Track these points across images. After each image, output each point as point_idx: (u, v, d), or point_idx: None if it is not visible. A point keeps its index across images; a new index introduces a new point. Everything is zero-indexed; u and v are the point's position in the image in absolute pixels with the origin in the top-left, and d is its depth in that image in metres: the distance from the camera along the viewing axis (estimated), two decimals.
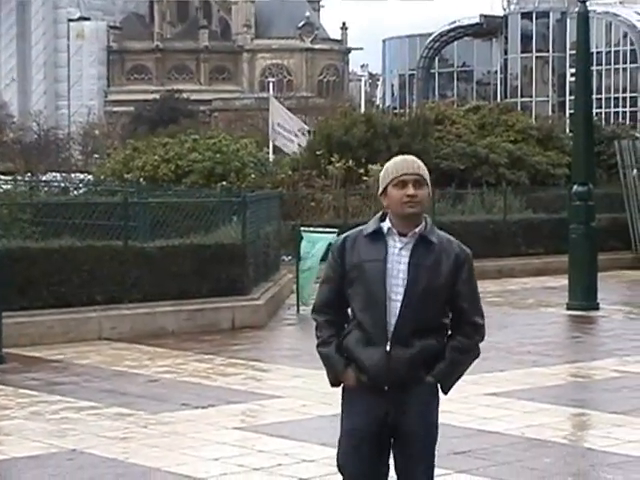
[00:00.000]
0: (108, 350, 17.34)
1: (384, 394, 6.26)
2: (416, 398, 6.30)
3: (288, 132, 41.27)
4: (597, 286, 22.43)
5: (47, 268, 18.34)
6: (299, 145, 40.79)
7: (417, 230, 6.23)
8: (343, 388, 6.42)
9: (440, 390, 6.46)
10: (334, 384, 6.41)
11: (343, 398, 6.44)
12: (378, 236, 6.27)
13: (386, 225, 6.24)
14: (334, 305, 6.39)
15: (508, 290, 25.24)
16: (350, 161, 32.24)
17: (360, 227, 6.36)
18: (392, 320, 6.19)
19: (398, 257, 6.24)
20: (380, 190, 6.31)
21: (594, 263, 22.60)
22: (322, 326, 6.41)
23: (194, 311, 18.32)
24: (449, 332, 6.47)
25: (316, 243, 22.51)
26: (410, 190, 6.15)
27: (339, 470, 6.39)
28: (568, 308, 22.21)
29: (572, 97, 26.60)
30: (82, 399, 13.74)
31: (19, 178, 35.49)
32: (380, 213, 6.33)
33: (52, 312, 18.10)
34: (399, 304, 6.15)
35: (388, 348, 6.16)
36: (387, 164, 6.37)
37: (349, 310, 6.54)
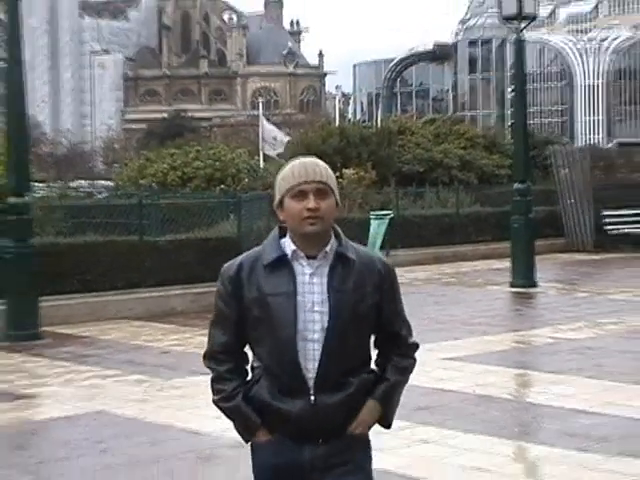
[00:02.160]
0: (127, 327, 17.36)
1: (308, 446, 4.39)
2: (347, 456, 4.42)
3: (273, 140, 41.47)
4: (535, 267, 22.44)
5: (74, 260, 18.34)
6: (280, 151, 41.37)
7: (328, 249, 4.32)
8: (253, 445, 4.54)
9: (382, 422, 4.61)
10: (249, 440, 4.50)
11: (255, 454, 4.51)
12: (281, 262, 4.30)
13: (289, 247, 4.31)
14: (233, 350, 4.44)
15: (461, 272, 25.27)
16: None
17: (256, 249, 4.43)
18: (310, 365, 4.28)
19: (310, 286, 4.27)
20: (276, 201, 4.42)
21: (532, 248, 22.59)
22: (222, 377, 4.43)
23: (199, 294, 18.30)
24: (378, 355, 4.68)
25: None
26: (311, 202, 4.22)
27: None
28: (511, 286, 22.21)
29: (511, 110, 26.47)
30: (106, 368, 13.75)
31: (51, 185, 35.36)
32: (276, 228, 4.41)
33: (79, 296, 18.15)
34: (317, 345, 4.25)
35: (312, 399, 4.31)
36: (283, 170, 4.43)
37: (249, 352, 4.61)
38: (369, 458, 4.57)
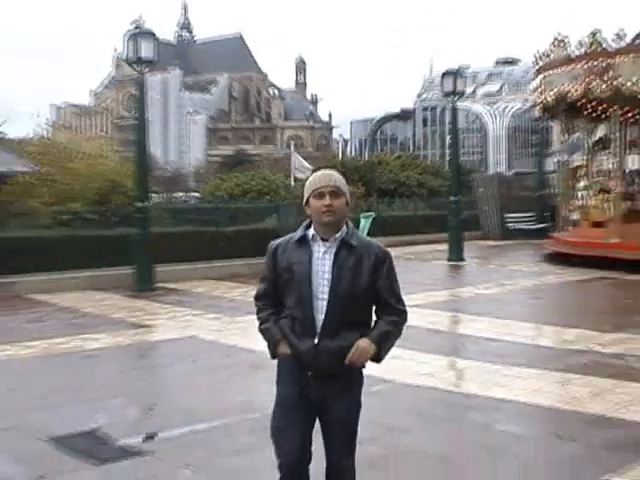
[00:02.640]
0: (209, 285, 17.32)
1: (310, 377, 4.19)
2: (340, 387, 4.21)
3: (301, 168, 41.41)
4: (463, 249, 22.39)
5: (175, 242, 18.31)
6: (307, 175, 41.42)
7: (337, 235, 4.18)
8: (278, 362, 4.39)
9: (375, 358, 4.25)
10: (274, 355, 4.33)
11: (278, 369, 4.39)
12: (304, 242, 4.22)
13: (311, 232, 4.22)
14: (271, 295, 4.30)
15: (417, 251, 25.22)
16: None
17: (291, 234, 4.34)
18: (319, 316, 4.13)
19: (322, 260, 4.15)
20: (304, 201, 4.33)
21: (461, 237, 22.52)
22: (262, 309, 4.35)
23: (253, 264, 18.05)
24: (374, 321, 4.33)
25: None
26: (327, 200, 4.15)
27: (271, 436, 4.29)
28: (448, 260, 22.11)
29: (449, 150, 26.46)
30: (195, 309, 13.76)
31: (162, 195, 35.47)
32: (307, 221, 4.30)
33: (179, 265, 18.09)
34: (325, 302, 4.10)
35: (316, 341, 4.11)
36: (309, 178, 4.40)
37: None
38: (358, 395, 4.28)
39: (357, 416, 4.26)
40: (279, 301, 4.27)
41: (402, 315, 4.21)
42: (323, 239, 4.15)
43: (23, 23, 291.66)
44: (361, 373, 4.28)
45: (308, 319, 4.09)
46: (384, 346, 4.16)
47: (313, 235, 4.18)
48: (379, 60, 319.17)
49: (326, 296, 4.09)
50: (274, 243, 4.29)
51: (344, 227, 4.20)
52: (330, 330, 4.06)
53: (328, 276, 4.08)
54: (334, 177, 4.21)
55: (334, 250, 4.12)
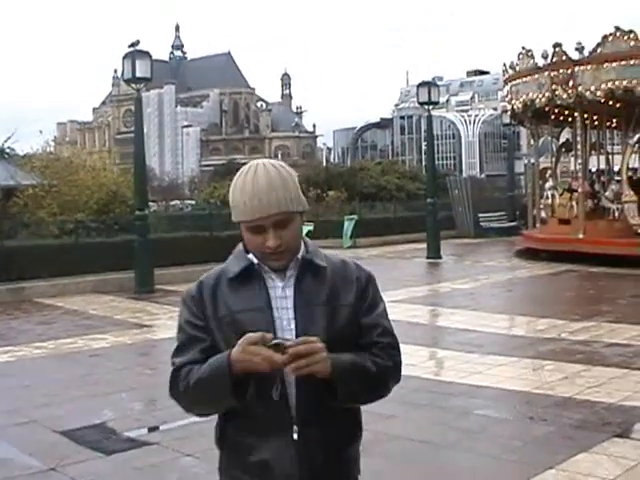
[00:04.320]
0: None
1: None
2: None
3: None
4: (440, 247, 22.35)
5: (173, 247, 18.28)
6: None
7: (300, 255, 2.25)
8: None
9: (333, 389, 2.09)
10: (233, 373, 2.06)
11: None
12: (250, 275, 2.23)
13: (256, 259, 2.26)
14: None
15: (397, 250, 25.20)
16: (319, 190, 32.25)
17: (217, 268, 2.37)
18: (291, 391, 2.12)
19: (283, 300, 2.19)
20: (233, 217, 2.31)
21: (438, 235, 22.43)
22: (186, 375, 2.24)
23: None
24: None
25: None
26: (270, 240, 2.16)
27: None
28: (427, 258, 22.05)
29: (425, 156, 26.73)
30: None
31: (159, 203, 35.47)
32: (241, 244, 2.38)
33: (176, 268, 17.90)
34: None
35: (295, 435, 2.10)
36: (235, 187, 2.25)
37: None
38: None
39: None
40: None
41: (393, 360, 2.30)
42: (273, 269, 2.23)
43: (29, 49, 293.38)
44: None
45: (273, 402, 2.13)
46: (344, 377, 2.10)
47: (258, 264, 2.25)
48: (358, 73, 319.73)
49: None
50: (193, 287, 2.30)
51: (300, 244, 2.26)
52: (312, 411, 2.13)
53: (293, 324, 2.17)
54: (275, 194, 2.16)
55: (293, 280, 2.22)
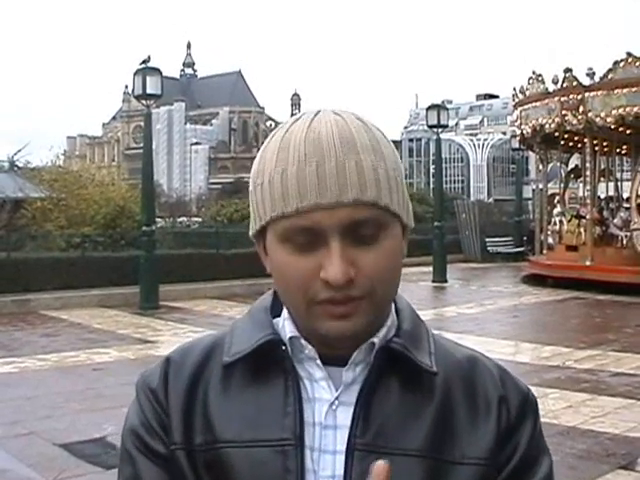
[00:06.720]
0: (209, 303, 17.27)
1: None
2: None
3: None
4: (446, 270, 22.36)
5: (178, 263, 18.31)
6: None
7: (376, 340, 0.92)
8: None
9: None
10: None
11: None
12: (268, 361, 0.86)
13: (288, 330, 0.89)
14: None
15: (403, 273, 24.42)
16: None
17: (209, 335, 0.98)
18: None
19: (330, 433, 0.86)
20: (252, 229, 0.95)
21: (445, 259, 22.54)
22: None
23: (251, 284, 18.07)
24: None
25: None
26: (334, 266, 0.79)
27: None
28: (433, 281, 22.06)
29: (433, 179, 26.57)
30: (197, 326, 13.66)
31: (166, 219, 35.50)
32: (268, 295, 0.98)
33: (181, 284, 18.00)
34: None
35: None
36: (266, 149, 0.89)
37: None
38: None
39: None
40: None
41: None
42: (328, 357, 0.98)
43: (43, 63, 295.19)
44: None
45: None
46: None
47: (293, 339, 0.99)
48: (368, 95, 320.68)
49: None
50: (154, 372, 1.19)
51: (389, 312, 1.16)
52: None
53: (343, 469, 0.94)
54: (353, 165, 0.93)
55: (358, 388, 0.99)
